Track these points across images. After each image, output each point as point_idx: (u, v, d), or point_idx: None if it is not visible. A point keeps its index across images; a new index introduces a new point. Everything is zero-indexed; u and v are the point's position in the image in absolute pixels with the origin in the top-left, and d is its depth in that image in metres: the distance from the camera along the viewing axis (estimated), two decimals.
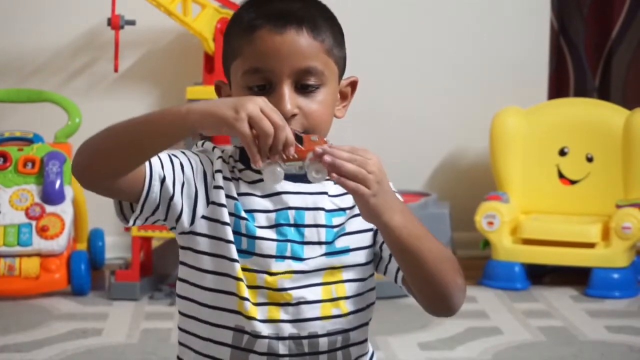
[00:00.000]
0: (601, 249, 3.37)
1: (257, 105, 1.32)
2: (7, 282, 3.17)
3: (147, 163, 1.41)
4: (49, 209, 3.24)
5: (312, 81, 1.44)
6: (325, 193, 1.49)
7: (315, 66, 1.44)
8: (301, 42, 1.43)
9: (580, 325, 2.98)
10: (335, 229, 1.48)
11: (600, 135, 3.54)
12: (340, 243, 1.48)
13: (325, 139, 1.39)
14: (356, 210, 1.47)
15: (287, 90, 1.43)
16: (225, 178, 1.46)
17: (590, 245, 3.38)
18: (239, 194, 1.46)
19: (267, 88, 1.44)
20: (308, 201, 1.47)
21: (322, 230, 1.47)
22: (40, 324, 2.94)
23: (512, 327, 2.97)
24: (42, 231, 3.20)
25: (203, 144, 1.52)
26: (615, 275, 3.33)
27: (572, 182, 3.58)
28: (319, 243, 1.47)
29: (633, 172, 3.49)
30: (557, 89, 3.99)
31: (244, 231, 1.45)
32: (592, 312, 3.12)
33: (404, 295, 3.23)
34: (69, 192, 3.29)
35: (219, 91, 1.53)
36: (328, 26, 1.47)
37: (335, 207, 1.49)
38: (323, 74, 1.45)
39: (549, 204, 3.58)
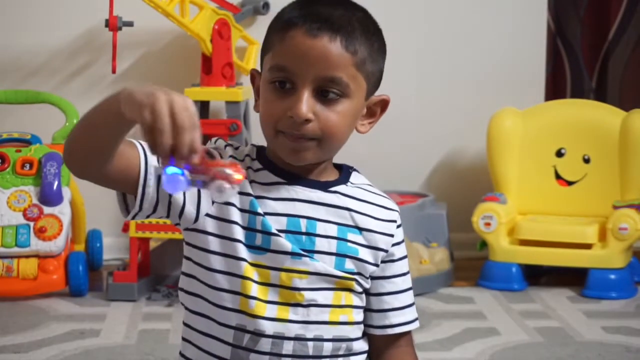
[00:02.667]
0: (598, 249, 3.38)
1: (170, 99, 1.22)
2: (5, 283, 3.17)
3: (142, 157, 1.40)
4: (47, 210, 3.24)
5: (334, 90, 1.42)
6: (343, 207, 1.49)
7: (340, 77, 1.42)
8: (332, 50, 1.41)
9: (577, 326, 2.98)
10: (349, 244, 1.48)
11: (597, 136, 3.55)
12: (349, 265, 1.49)
13: (239, 167, 1.27)
14: (375, 242, 1.50)
15: (307, 95, 1.41)
16: None
17: (587, 246, 3.39)
18: (254, 196, 1.45)
19: (288, 87, 1.43)
20: (321, 212, 1.47)
21: (334, 242, 1.47)
22: (38, 325, 2.94)
23: (509, 327, 2.97)
24: (40, 232, 3.20)
25: (216, 141, 1.52)
26: (612, 276, 3.34)
27: (569, 183, 3.59)
28: (329, 254, 1.47)
29: (630, 173, 3.49)
30: (554, 90, 4.00)
31: (259, 227, 1.44)
32: (589, 312, 3.13)
33: None
34: (66, 193, 3.29)
35: (253, 80, 1.52)
36: (366, 39, 1.44)
37: (351, 223, 1.49)
38: (348, 86, 1.43)
39: (546, 204, 3.59)
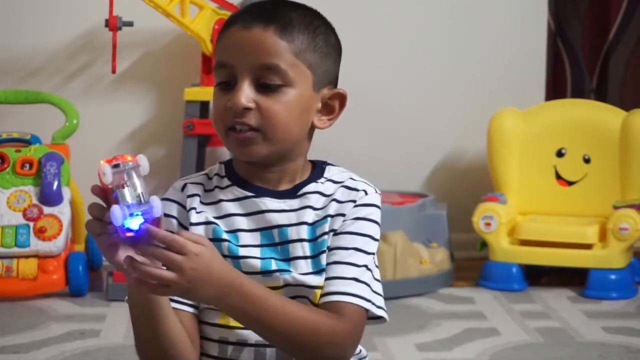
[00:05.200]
0: (598, 250, 3.38)
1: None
2: (5, 283, 3.17)
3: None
4: (47, 210, 3.24)
5: (273, 80, 1.43)
6: (310, 207, 1.49)
7: (277, 64, 1.43)
8: (266, 39, 1.43)
9: (578, 326, 2.98)
10: (319, 240, 1.47)
11: (597, 136, 3.55)
12: (324, 260, 1.48)
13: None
14: (335, 225, 1.48)
15: (245, 85, 1.43)
16: (202, 203, 1.47)
17: (588, 247, 3.39)
18: (222, 216, 1.46)
19: (232, 84, 1.45)
20: (292, 217, 1.47)
21: (306, 244, 1.47)
22: (38, 325, 2.94)
23: (510, 328, 2.97)
24: (40, 232, 3.20)
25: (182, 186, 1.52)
26: (613, 277, 3.33)
27: (570, 183, 3.59)
28: (305, 258, 1.47)
29: (630, 173, 3.49)
30: (555, 90, 3.99)
31: (226, 252, 1.44)
32: (589, 313, 3.13)
33: (401, 296, 3.24)
34: (66, 193, 3.29)
35: None
36: (305, 30, 1.46)
37: (318, 218, 1.48)
38: (286, 73, 1.44)
39: (546, 205, 3.59)
